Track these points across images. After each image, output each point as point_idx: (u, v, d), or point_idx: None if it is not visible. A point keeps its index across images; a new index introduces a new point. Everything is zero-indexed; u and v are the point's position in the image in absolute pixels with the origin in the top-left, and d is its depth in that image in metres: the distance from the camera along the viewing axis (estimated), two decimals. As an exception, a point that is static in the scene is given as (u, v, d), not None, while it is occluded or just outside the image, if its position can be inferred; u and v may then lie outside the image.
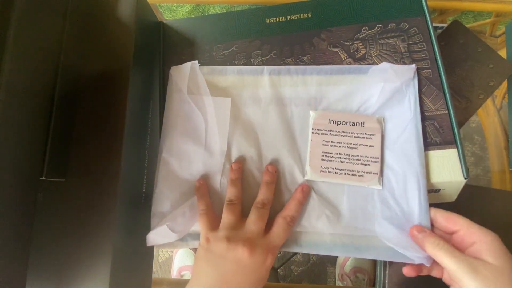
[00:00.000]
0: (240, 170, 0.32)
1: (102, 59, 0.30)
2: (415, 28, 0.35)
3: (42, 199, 0.23)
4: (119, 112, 0.30)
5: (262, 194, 0.31)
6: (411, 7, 0.36)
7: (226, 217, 0.30)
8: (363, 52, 0.35)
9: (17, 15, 0.22)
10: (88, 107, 0.28)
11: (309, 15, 0.38)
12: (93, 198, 0.27)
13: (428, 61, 0.34)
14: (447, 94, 0.32)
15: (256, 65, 0.36)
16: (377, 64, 0.34)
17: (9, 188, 0.21)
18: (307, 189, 0.31)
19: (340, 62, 0.35)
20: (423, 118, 0.32)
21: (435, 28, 0.36)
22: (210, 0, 0.64)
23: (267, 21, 0.38)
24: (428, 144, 0.31)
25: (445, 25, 0.45)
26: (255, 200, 0.31)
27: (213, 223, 0.30)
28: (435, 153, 0.30)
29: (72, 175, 0.25)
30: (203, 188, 0.32)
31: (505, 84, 0.45)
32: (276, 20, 0.38)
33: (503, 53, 0.43)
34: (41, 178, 0.23)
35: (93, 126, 0.28)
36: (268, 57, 0.36)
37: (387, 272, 0.36)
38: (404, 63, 0.34)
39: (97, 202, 0.28)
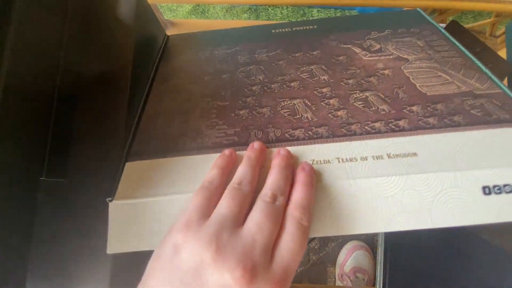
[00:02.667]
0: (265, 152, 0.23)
1: (102, 59, 0.30)
2: (427, 31, 0.34)
3: (42, 199, 0.23)
4: (120, 112, 0.30)
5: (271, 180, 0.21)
6: (416, 20, 0.36)
7: (226, 205, 0.19)
8: (378, 47, 0.33)
9: (17, 15, 0.22)
10: (88, 107, 0.28)
11: (315, 27, 0.38)
12: (93, 198, 0.27)
13: (454, 51, 0.31)
14: (493, 77, 0.28)
15: (261, 59, 0.33)
16: (396, 55, 0.31)
17: (9, 188, 0.21)
18: (308, 167, 0.22)
19: (355, 54, 0.32)
20: (473, 96, 0.26)
21: (435, 28, 0.36)
22: (210, 0, 0.64)
23: (273, 31, 0.38)
24: (495, 121, 0.24)
25: (444, 25, 0.45)
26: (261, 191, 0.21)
27: (209, 209, 0.20)
28: None
29: (72, 175, 0.25)
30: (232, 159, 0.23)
31: (505, 84, 0.45)
32: (282, 30, 0.38)
33: (503, 53, 0.43)
34: (41, 178, 0.23)
35: (93, 126, 0.28)
36: (274, 52, 0.34)
37: (387, 272, 0.36)
38: (428, 54, 0.30)
39: (97, 202, 0.28)
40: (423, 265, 0.37)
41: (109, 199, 0.22)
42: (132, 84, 0.32)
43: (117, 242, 0.21)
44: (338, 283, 0.81)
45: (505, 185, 0.20)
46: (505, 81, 0.43)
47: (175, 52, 0.37)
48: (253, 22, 0.97)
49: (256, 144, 0.23)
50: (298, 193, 0.20)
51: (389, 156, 0.22)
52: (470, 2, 0.51)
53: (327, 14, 1.29)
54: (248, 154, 0.23)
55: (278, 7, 1.32)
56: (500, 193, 0.20)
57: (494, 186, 0.20)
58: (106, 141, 0.29)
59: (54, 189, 0.24)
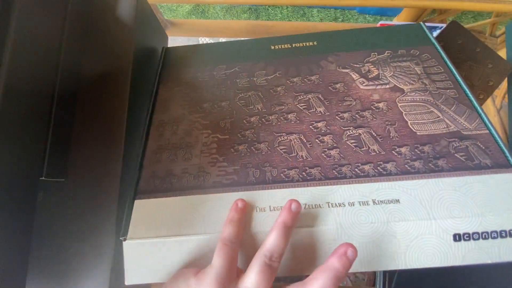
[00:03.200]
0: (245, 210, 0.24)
1: (102, 59, 0.30)
2: (427, 54, 0.34)
3: (42, 199, 0.23)
4: (120, 111, 0.30)
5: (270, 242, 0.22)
6: (418, 38, 0.36)
7: (255, 283, 0.20)
8: (376, 73, 0.33)
9: (17, 15, 0.22)
10: (88, 107, 0.28)
11: (315, 43, 0.37)
12: (93, 198, 0.27)
13: (450, 82, 0.31)
14: (482, 114, 0.28)
15: (260, 84, 0.33)
16: (393, 84, 0.31)
17: (9, 188, 0.21)
18: (352, 252, 0.21)
19: (352, 81, 0.32)
20: (459, 137, 0.27)
21: (435, 28, 0.36)
22: (210, 0, 0.64)
23: (272, 47, 0.37)
24: (476, 167, 0.25)
25: (444, 25, 0.45)
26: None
27: (234, 270, 0.22)
28: (492, 178, 0.24)
29: (72, 175, 0.25)
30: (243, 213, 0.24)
31: (505, 84, 0.45)
32: (281, 47, 0.37)
33: (503, 53, 0.43)
34: (41, 178, 0.23)
35: (93, 126, 0.28)
36: (272, 76, 0.34)
37: (387, 272, 0.36)
38: (424, 84, 0.31)
39: (97, 202, 0.28)
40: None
41: (123, 238, 0.24)
42: (132, 84, 0.32)
43: (133, 275, 0.24)
44: (338, 283, 0.80)
45: (473, 233, 0.23)
46: (505, 81, 0.43)
47: (174, 71, 0.36)
48: (253, 22, 0.97)
49: (294, 206, 0.23)
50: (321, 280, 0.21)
51: (374, 202, 0.24)
52: (470, 2, 0.51)
53: (327, 14, 1.29)
54: (284, 220, 0.23)
55: (278, 7, 1.32)
56: (468, 240, 0.23)
57: (464, 234, 0.23)
58: (106, 141, 0.29)
59: (54, 189, 0.24)
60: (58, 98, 0.25)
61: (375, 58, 0.34)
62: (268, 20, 1.30)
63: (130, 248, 0.24)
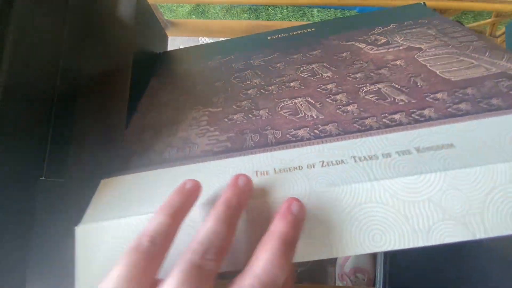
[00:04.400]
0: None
1: (102, 59, 0.30)
2: (436, 20, 0.31)
3: (42, 199, 0.23)
4: (120, 112, 0.30)
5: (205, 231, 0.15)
6: (422, 13, 0.34)
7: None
8: (385, 40, 0.30)
9: (17, 15, 0.22)
10: (88, 107, 0.28)
11: (313, 29, 0.36)
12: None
13: (473, 36, 0.27)
14: None
15: (257, 64, 0.31)
16: (407, 45, 0.27)
17: (9, 188, 0.21)
18: (297, 205, 0.16)
19: (359, 50, 0.29)
20: (508, 77, 0.22)
21: (435, 28, 0.36)
22: (210, 0, 0.64)
23: (269, 38, 0.37)
24: None
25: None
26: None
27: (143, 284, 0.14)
28: None
29: (72, 175, 0.25)
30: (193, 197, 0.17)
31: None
32: (278, 36, 0.37)
33: (503, 53, 0.43)
34: (41, 178, 0.23)
35: (93, 126, 0.28)
36: (271, 57, 0.32)
37: (387, 272, 0.36)
38: (443, 41, 0.27)
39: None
40: (423, 265, 0.37)
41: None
42: (132, 84, 0.32)
43: (85, 277, 0.17)
44: (338, 283, 0.81)
45: None
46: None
47: (168, 67, 0.37)
48: (253, 22, 0.97)
49: (242, 179, 0.17)
50: (264, 260, 0.14)
51: (418, 150, 0.18)
52: (470, 2, 0.50)
53: (327, 14, 1.29)
54: (227, 197, 0.16)
55: (278, 7, 1.32)
56: None
57: None
58: (106, 141, 0.29)
59: (54, 189, 0.24)
60: (58, 98, 0.25)
61: (380, 31, 0.32)
62: (268, 20, 1.30)
63: (83, 235, 0.18)
